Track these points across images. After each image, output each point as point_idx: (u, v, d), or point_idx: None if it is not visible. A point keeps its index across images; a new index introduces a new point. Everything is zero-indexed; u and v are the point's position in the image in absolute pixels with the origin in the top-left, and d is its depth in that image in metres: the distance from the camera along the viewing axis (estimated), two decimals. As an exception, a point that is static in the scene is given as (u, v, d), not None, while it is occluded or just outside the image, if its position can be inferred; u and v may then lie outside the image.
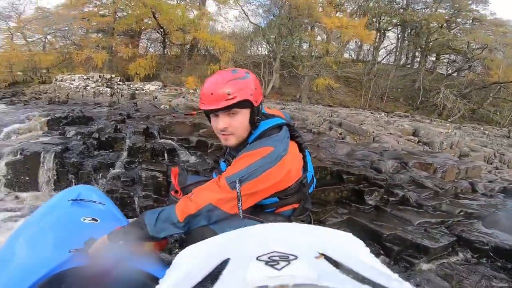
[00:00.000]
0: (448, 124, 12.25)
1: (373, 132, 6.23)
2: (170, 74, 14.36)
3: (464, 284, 1.60)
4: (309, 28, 16.74)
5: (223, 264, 0.33)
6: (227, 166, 1.15)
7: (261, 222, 1.02)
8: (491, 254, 1.90)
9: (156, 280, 0.31)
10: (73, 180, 2.91)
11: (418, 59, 20.83)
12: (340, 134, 5.94)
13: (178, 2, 17.41)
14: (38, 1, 17.58)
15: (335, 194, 2.54)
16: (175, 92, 9.41)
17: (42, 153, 2.96)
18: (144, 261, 0.95)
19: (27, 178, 2.87)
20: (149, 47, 19.39)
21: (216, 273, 0.31)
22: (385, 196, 2.60)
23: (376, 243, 1.98)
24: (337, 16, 16.34)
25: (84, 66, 14.03)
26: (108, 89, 9.01)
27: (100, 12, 15.88)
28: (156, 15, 14.51)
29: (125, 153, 3.14)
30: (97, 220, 1.18)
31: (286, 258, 0.30)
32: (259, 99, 1.06)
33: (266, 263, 0.30)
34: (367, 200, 2.53)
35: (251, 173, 0.95)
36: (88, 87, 8.96)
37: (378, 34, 19.63)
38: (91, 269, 0.88)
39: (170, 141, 3.35)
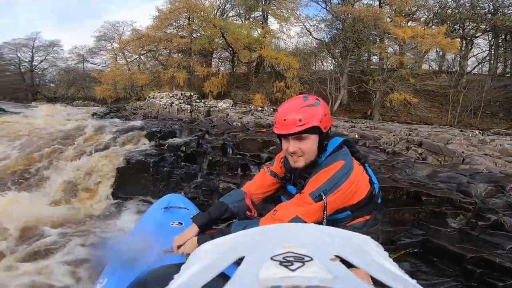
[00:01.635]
0: None
1: (462, 152, 5.50)
2: (239, 92, 15.29)
3: None
4: (378, 40, 15.76)
5: (238, 262, 0.33)
6: (296, 189, 1.27)
7: None
8: None
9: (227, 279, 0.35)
10: (166, 187, 3.50)
11: (521, 67, 17.46)
12: (420, 154, 5.44)
13: (243, 22, 18.64)
14: (133, 23, 20.89)
15: (411, 215, 2.45)
16: (244, 109, 10.10)
17: (144, 162, 3.66)
18: None
19: (132, 183, 3.57)
20: (220, 66, 21.12)
21: (230, 271, 0.32)
22: (472, 220, 2.40)
23: (455, 265, 1.91)
24: (409, 26, 15.02)
25: (169, 84, 16.15)
26: (188, 106, 10.33)
27: (179, 34, 18.17)
28: (224, 35, 15.74)
29: (205, 166, 3.62)
30: (182, 224, 1.41)
31: (301, 259, 0.30)
32: (328, 125, 1.14)
33: (281, 263, 0.30)
34: (450, 223, 2.39)
35: (332, 185, 1.06)
36: (173, 104, 10.44)
37: (464, 42, 17.21)
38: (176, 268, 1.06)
39: (242, 157, 3.71)
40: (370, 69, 15.88)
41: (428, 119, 14.36)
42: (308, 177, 1.17)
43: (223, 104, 11.03)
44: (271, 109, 10.95)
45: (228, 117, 7.60)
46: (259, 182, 1.41)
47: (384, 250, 0.39)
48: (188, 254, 1.06)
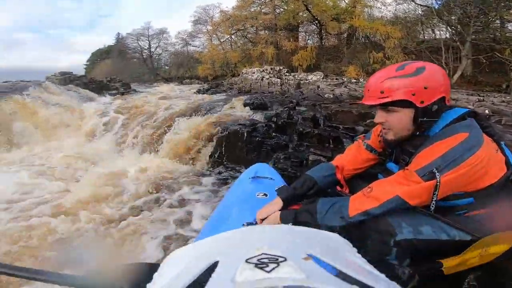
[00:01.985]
0: None
1: None
2: (330, 64, 14.33)
3: None
4: (514, 4, 11.40)
5: (212, 267, 0.33)
6: (399, 166, 1.09)
7: (447, 223, 0.92)
8: None
9: None
10: (257, 156, 3.69)
11: None
12: None
13: None
14: (220, 5, 22.10)
15: None
16: (336, 81, 9.43)
17: (238, 132, 3.92)
18: None
19: (230, 152, 3.91)
20: (308, 39, 20.15)
21: (205, 276, 0.31)
22: None
23: None
24: None
25: (259, 60, 16.69)
26: (278, 80, 10.42)
27: (263, 11, 18.10)
28: (309, 8, 14.82)
29: (295, 137, 3.60)
30: (267, 195, 1.39)
31: (275, 260, 0.31)
32: (430, 99, 0.92)
33: (256, 265, 0.30)
34: None
35: (450, 162, 0.85)
36: (264, 79, 10.75)
37: None
38: None
39: (335, 129, 3.50)
40: (505, 37, 11.88)
41: None
42: (415, 152, 0.98)
43: (313, 76, 10.60)
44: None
45: (319, 89, 7.26)
46: (352, 156, 1.27)
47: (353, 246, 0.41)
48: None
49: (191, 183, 3.29)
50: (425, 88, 0.91)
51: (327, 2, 14.99)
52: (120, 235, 2.25)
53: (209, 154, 3.93)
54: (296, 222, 1.01)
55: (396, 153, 1.12)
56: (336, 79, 10.29)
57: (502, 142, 1.01)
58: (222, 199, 1.69)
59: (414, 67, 0.94)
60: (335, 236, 0.43)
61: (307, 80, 10.15)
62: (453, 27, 12.94)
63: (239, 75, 14.23)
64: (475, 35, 11.91)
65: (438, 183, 0.85)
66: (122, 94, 10.50)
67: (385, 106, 0.97)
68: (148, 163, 3.88)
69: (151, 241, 2.17)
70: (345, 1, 15.73)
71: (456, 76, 11.31)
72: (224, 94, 8.51)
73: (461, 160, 0.85)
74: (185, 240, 2.20)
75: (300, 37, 19.62)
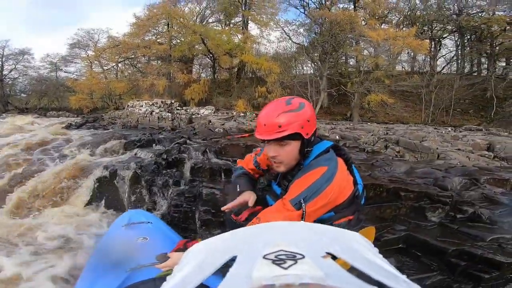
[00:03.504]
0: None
1: (437, 148, 5.75)
2: (221, 98, 15.23)
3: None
4: (354, 43, 16.37)
5: (230, 262, 0.33)
6: (281, 189, 1.27)
7: None
8: None
9: None
10: (147, 195, 3.39)
11: (485, 65, 18.61)
12: (398, 152, 5.63)
13: (223, 27, 18.60)
14: (109, 31, 20.48)
15: (392, 211, 2.50)
16: (226, 115, 10.04)
17: (122, 171, 3.53)
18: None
19: (110, 193, 3.43)
20: (201, 72, 20.93)
21: (223, 270, 0.32)
22: (451, 213, 2.47)
23: (439, 259, 1.92)
24: (382, 28, 15.71)
25: (148, 92, 15.74)
26: (169, 114, 10.09)
27: (158, 40, 17.80)
28: (205, 41, 15.71)
29: (187, 172, 3.54)
30: (147, 238, 1.36)
31: (293, 257, 0.30)
32: (311, 131, 1.11)
33: (273, 261, 0.30)
34: (429, 217, 2.44)
35: (312, 193, 1.05)
36: (153, 113, 10.19)
37: (433, 43, 18.20)
38: (151, 283, 1.01)
39: (226, 161, 3.67)
40: (348, 72, 16.40)
41: (404, 118, 15.02)
42: (291, 180, 1.17)
43: (205, 111, 10.92)
44: (254, 114, 11.00)
45: (210, 123, 7.54)
46: (246, 165, 1.46)
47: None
48: (168, 269, 1.02)
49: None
50: (308, 121, 1.07)
51: (223, 37, 16.16)
52: None
53: (87, 199, 3.31)
54: None
55: (279, 177, 1.30)
56: (227, 113, 10.97)
57: (353, 165, 1.30)
58: (95, 249, 1.51)
59: (297, 103, 1.08)
60: (355, 235, 0.41)
61: (199, 114, 10.34)
62: (315, 63, 16.55)
63: (124, 108, 12.98)
64: (329, 70, 15.59)
65: (304, 212, 1.04)
66: None
67: (279, 141, 1.08)
68: None
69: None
70: (238, 37, 17.41)
71: (317, 108, 14.21)
72: (104, 130, 7.53)
73: (321, 190, 1.06)
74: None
75: (194, 70, 20.07)
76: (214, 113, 10.81)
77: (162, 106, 11.34)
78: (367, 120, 13.70)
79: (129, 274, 1.06)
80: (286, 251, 0.32)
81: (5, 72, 21.62)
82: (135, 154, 4.26)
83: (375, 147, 5.48)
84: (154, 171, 3.62)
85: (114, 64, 19.27)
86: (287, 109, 1.05)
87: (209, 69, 19.19)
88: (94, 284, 1.11)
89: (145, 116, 10.20)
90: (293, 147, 1.10)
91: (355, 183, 1.22)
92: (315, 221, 1.13)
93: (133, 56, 18.60)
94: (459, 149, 6.05)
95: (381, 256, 0.37)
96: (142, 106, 11.32)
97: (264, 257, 0.31)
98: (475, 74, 19.58)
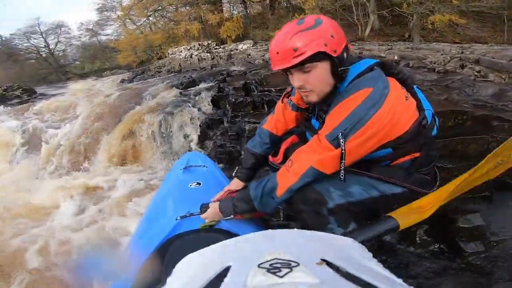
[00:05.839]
0: None
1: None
2: (258, 31, 14.31)
3: None
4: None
5: (224, 271, 0.32)
6: (318, 123, 1.04)
7: (369, 177, 0.94)
8: None
9: None
10: (194, 137, 3.39)
11: None
12: (478, 72, 4.43)
13: None
14: None
15: (478, 146, 1.92)
16: (266, 47, 9.37)
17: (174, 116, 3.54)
18: (245, 229, 1.01)
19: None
20: (233, 10, 19.46)
21: (217, 281, 0.31)
22: None
23: None
24: None
25: (185, 38, 15.60)
26: (208, 54, 9.91)
27: None
28: None
29: (229, 109, 3.40)
30: (200, 184, 1.33)
31: (288, 265, 0.30)
32: (340, 47, 0.86)
33: (268, 270, 0.29)
34: None
35: (354, 123, 0.83)
36: (193, 56, 10.10)
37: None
38: (196, 235, 0.99)
39: (268, 93, 3.39)
40: None
41: (481, 39, 11.74)
42: (327, 110, 0.94)
43: (243, 45, 10.34)
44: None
45: (250, 56, 7.07)
46: (280, 116, 1.22)
47: (368, 250, 0.39)
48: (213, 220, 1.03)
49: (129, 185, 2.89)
50: (332, 36, 0.84)
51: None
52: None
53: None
54: (236, 213, 1.00)
55: (317, 109, 1.07)
56: (266, 44, 10.21)
57: (415, 86, 0.99)
58: (155, 193, 1.57)
59: (312, 20, 0.86)
60: (349, 240, 0.42)
61: (237, 50, 9.87)
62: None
63: (165, 56, 13.16)
64: (377, -10, 12.80)
65: (343, 151, 0.83)
66: (27, 102, 8.75)
67: (301, 66, 0.86)
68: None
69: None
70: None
71: (367, 31, 12.27)
72: (154, 78, 7.69)
73: (366, 120, 0.83)
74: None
75: (224, 8, 18.89)
76: (252, 46, 10.16)
77: (200, 48, 11.07)
78: (432, 40, 11.21)
79: (178, 222, 1.04)
80: (280, 259, 0.32)
81: (52, 46, 22.93)
82: (181, 93, 4.18)
83: (447, 67, 4.40)
84: (200, 109, 3.59)
85: (145, 18, 19.09)
86: (301, 29, 0.85)
87: (240, 5, 17.63)
88: (148, 230, 1.13)
89: (186, 60, 10.18)
90: (322, 69, 0.88)
91: (420, 108, 0.95)
92: (364, 160, 0.91)
93: (160, 8, 18.09)
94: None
95: (375, 260, 0.36)
96: (181, 51, 11.25)
97: (259, 266, 0.31)
98: None
